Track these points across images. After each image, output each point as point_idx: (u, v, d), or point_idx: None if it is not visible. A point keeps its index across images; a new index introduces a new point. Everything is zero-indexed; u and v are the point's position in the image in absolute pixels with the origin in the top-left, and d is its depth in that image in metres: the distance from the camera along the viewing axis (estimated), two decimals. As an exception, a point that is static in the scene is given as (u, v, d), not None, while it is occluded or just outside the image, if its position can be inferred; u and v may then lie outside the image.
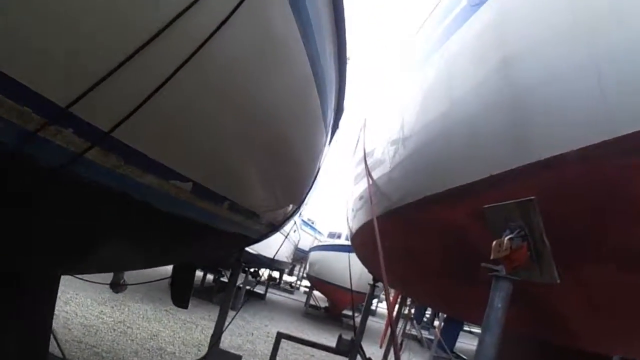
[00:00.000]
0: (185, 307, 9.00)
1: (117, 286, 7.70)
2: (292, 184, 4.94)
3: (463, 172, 3.44)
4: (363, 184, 7.12)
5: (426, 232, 4.28)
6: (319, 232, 35.59)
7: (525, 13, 3.00)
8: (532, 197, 2.41)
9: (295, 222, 21.98)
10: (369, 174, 5.95)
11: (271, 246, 17.68)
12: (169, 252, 4.27)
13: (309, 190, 5.69)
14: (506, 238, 2.49)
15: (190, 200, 3.21)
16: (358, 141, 9.39)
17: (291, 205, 5.31)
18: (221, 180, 3.47)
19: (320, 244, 26.97)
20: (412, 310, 16.18)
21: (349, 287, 19.19)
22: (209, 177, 3.25)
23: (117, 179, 2.46)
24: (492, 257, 2.54)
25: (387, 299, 4.11)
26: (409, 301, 13.77)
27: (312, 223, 36.92)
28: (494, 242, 2.55)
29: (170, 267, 7.88)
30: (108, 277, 7.71)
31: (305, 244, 30.13)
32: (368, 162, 6.32)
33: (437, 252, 4.26)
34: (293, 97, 3.57)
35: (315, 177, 5.65)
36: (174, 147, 2.71)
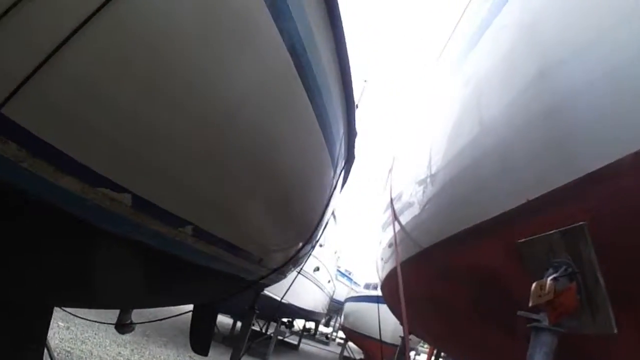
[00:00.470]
0: (205, 354, 8.41)
1: (122, 327, 7.17)
2: (294, 228, 4.57)
3: (494, 201, 2.95)
4: (391, 231, 6.70)
5: (454, 276, 3.76)
6: (356, 283, 35.06)
7: (560, 17, 2.58)
8: (582, 222, 1.87)
9: (329, 273, 21.56)
10: (394, 217, 5.44)
11: (302, 296, 17.49)
12: (161, 291, 3.87)
13: (314, 235, 5.25)
14: (549, 279, 1.96)
15: (180, 239, 2.95)
16: (385, 185, 9.04)
17: (294, 249, 4.87)
18: (219, 222, 3.20)
19: (354, 295, 26.33)
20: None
21: (385, 340, 18.64)
22: (206, 219, 3.01)
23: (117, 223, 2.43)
24: (531, 304, 2.00)
25: (405, 351, 3.59)
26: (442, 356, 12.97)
27: (349, 274, 36.48)
28: (534, 285, 2.02)
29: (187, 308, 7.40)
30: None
31: (341, 295, 29.32)
32: (395, 206, 5.81)
33: (467, 299, 3.70)
34: (295, 139, 3.33)
35: (322, 221, 5.21)
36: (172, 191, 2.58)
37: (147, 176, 2.32)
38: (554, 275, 1.95)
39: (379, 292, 22.71)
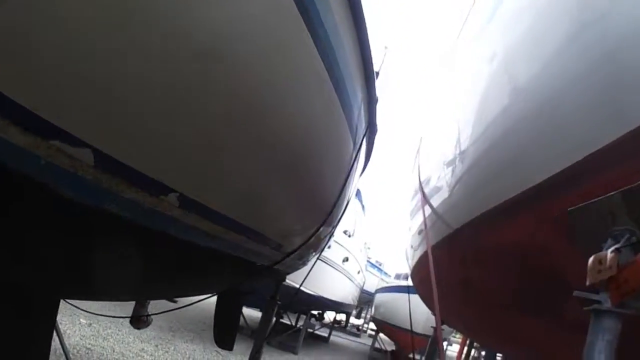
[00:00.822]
0: (230, 348, 8.09)
1: (138, 322, 6.88)
2: (308, 206, 4.19)
3: (533, 169, 2.60)
4: (420, 217, 6.35)
5: (489, 257, 3.40)
6: (386, 274, 34.71)
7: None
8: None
9: (359, 264, 21.27)
10: (423, 199, 5.09)
11: (332, 287, 17.25)
12: (163, 279, 3.60)
13: (333, 215, 4.87)
14: (609, 250, 1.61)
15: (181, 217, 2.64)
16: (413, 168, 8.72)
17: (310, 231, 4.52)
18: (222, 196, 2.87)
19: (385, 285, 25.99)
20: (483, 354, 14.71)
21: (416, 330, 18.29)
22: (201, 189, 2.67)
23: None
24: (588, 282, 1.66)
25: (438, 341, 3.26)
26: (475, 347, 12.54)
27: (380, 265, 36.21)
28: (591, 259, 1.67)
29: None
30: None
31: (371, 286, 29.12)
32: (425, 189, 5.45)
33: (504, 283, 3.33)
34: (303, 99, 2.94)
35: (340, 199, 4.83)
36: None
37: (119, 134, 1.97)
38: (616, 246, 1.60)
39: (409, 282, 22.46)
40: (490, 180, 3.26)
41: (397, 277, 26.13)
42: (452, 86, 5.16)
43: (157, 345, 11.17)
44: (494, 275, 3.38)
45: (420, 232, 6.90)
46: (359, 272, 22.07)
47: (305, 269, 6.47)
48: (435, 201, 4.69)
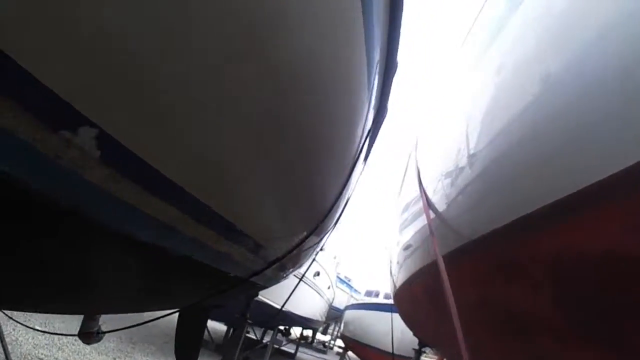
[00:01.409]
0: (193, 367, 7.38)
1: (87, 336, 6.04)
2: (306, 202, 3.43)
3: (598, 163, 2.06)
4: (411, 230, 5.79)
5: (526, 271, 2.72)
6: (356, 291, 34.28)
7: None
8: None
9: (330, 279, 20.61)
10: (426, 204, 4.40)
11: (301, 302, 16.56)
12: (115, 292, 2.88)
13: (329, 216, 4.13)
14: None
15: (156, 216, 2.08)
16: (403, 182, 8.12)
17: (303, 235, 3.80)
18: (212, 190, 2.27)
19: (357, 302, 25.39)
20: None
21: (388, 350, 17.74)
22: (194, 182, 2.10)
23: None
24: None
25: None
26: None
27: (349, 281, 35.77)
28: None
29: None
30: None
31: (340, 302, 28.51)
32: (428, 192, 4.77)
33: (549, 302, 2.64)
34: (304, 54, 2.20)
35: (341, 197, 4.09)
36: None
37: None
38: None
39: (382, 300, 21.95)
40: (532, 178, 2.62)
41: (369, 294, 25.65)
42: (465, 76, 4.57)
43: (115, 359, 10.52)
44: (532, 293, 2.71)
45: (407, 248, 6.27)
46: (329, 288, 21.42)
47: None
48: (444, 205, 4.02)
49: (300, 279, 5.75)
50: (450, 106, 4.91)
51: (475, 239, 3.22)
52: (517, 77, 3.05)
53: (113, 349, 11.04)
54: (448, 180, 3.93)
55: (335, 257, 22.43)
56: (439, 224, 4.00)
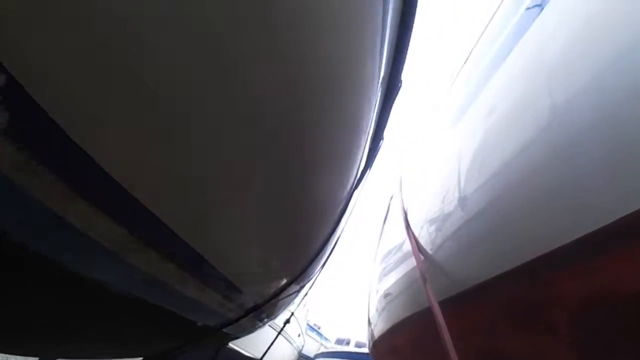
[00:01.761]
0: None
1: None
2: (291, 244, 3.05)
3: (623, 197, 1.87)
4: (394, 277, 5.45)
5: (548, 315, 2.40)
6: (326, 338, 33.58)
7: None
8: None
9: (300, 326, 20.05)
10: (415, 247, 4.09)
11: (271, 351, 15.98)
12: (60, 338, 2.53)
13: (315, 260, 3.73)
14: None
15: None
16: (384, 227, 7.82)
17: (286, 280, 3.46)
18: (175, 208, 1.86)
19: (329, 350, 24.78)
20: None
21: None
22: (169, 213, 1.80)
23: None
24: None
25: None
26: None
27: (319, 328, 35.13)
28: None
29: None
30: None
31: (310, 350, 27.77)
32: (417, 233, 4.45)
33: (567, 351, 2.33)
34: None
35: (327, 245, 3.74)
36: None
37: None
38: None
39: (353, 348, 21.46)
40: (547, 211, 2.35)
41: (339, 342, 25.12)
42: (457, 105, 4.37)
43: None
44: (552, 343, 2.40)
45: (388, 296, 5.94)
46: (299, 335, 20.87)
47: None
48: (439, 253, 3.72)
49: (279, 333, 5.38)
50: (443, 143, 4.66)
51: (481, 284, 2.93)
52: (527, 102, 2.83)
53: None
54: (445, 222, 3.65)
55: (305, 305, 21.85)
56: (432, 269, 3.70)
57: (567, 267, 2.18)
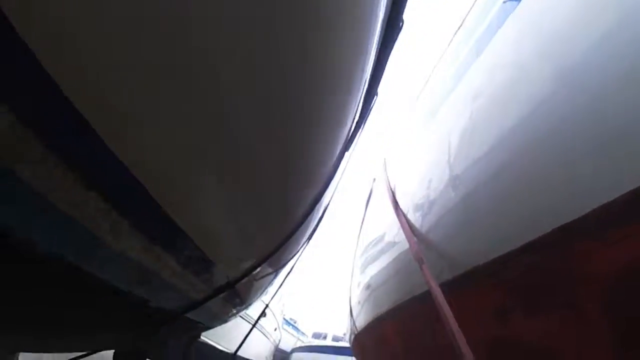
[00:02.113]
0: None
1: None
2: (269, 209, 2.67)
3: None
4: (378, 266, 5.19)
5: (572, 294, 2.09)
6: (302, 333, 33.40)
7: None
8: None
9: (276, 319, 19.74)
10: (408, 227, 3.77)
11: (247, 345, 15.64)
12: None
13: (297, 232, 3.31)
14: None
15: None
16: (364, 218, 7.51)
17: (262, 255, 3.06)
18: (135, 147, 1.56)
19: (305, 344, 24.54)
20: None
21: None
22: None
23: None
24: None
25: None
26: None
27: (295, 322, 34.93)
28: None
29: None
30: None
31: (286, 344, 27.55)
32: (408, 213, 4.12)
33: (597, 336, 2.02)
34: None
35: (315, 210, 3.36)
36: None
37: None
38: None
39: (330, 342, 21.26)
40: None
41: (316, 336, 24.91)
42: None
43: None
44: (574, 326, 2.10)
45: (370, 286, 5.65)
46: (275, 329, 20.56)
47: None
48: (438, 233, 3.40)
49: (254, 325, 4.97)
50: (428, 125, 4.37)
51: (487, 263, 2.62)
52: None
53: None
54: (440, 201, 3.34)
55: (281, 299, 21.53)
56: (427, 250, 3.38)
57: (598, 235, 1.89)
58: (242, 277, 2.93)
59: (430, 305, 3.07)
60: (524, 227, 2.33)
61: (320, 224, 4.22)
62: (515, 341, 2.55)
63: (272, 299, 4.79)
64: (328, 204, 4.04)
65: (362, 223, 7.74)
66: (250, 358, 16.69)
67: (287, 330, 29.81)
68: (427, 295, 3.20)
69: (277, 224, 2.90)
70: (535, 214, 2.27)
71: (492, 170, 2.69)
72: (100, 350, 3.64)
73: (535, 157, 2.33)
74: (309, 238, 4.20)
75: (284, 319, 27.51)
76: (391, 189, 4.76)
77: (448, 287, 2.91)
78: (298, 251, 4.15)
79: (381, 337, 5.35)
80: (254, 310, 14.34)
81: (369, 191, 7.49)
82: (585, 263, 1.96)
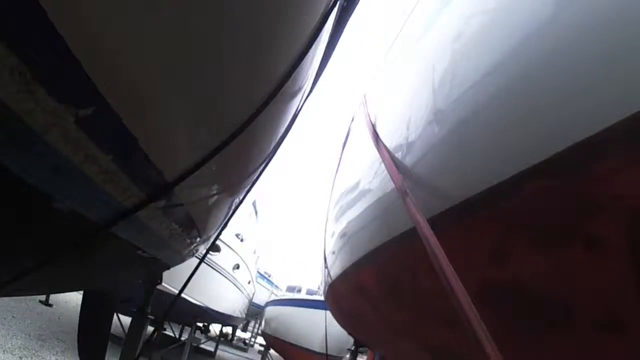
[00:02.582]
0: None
1: None
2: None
3: None
4: (355, 211, 4.93)
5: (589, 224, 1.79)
6: (276, 286, 33.56)
7: None
8: None
9: (250, 273, 19.59)
10: (390, 160, 3.42)
11: (221, 297, 15.49)
12: None
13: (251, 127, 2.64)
14: None
15: None
16: (338, 168, 7.21)
17: (210, 149, 2.42)
18: None
19: (279, 298, 24.49)
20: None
21: (311, 348, 17.00)
22: None
23: None
24: None
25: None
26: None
27: (269, 276, 35.06)
28: None
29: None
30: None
31: (260, 299, 27.75)
32: (387, 151, 3.78)
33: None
34: None
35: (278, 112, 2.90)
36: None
37: None
38: None
39: (304, 296, 21.20)
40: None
41: (290, 289, 24.92)
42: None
43: (21, 358, 9.36)
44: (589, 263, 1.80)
45: (343, 235, 5.41)
46: (249, 283, 20.48)
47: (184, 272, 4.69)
48: (417, 164, 3.07)
49: (202, 260, 4.44)
50: (410, 55, 4.04)
51: (484, 192, 2.31)
52: None
53: (20, 347, 9.89)
54: (430, 128, 3.00)
55: (255, 252, 21.35)
56: (412, 184, 3.05)
57: (626, 151, 1.58)
58: (181, 178, 2.41)
59: (413, 244, 2.79)
60: (530, 148, 2.01)
61: (285, 139, 3.69)
62: (517, 286, 2.27)
63: (225, 225, 4.12)
64: (296, 114, 3.57)
65: (337, 171, 7.46)
66: (224, 311, 16.60)
67: (261, 284, 29.91)
68: (411, 233, 2.91)
69: (224, 121, 2.41)
70: (544, 133, 1.95)
71: (491, 90, 2.37)
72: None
73: (546, 67, 2.04)
74: (269, 158, 3.71)
75: (258, 272, 27.50)
76: (371, 122, 4.41)
77: (435, 224, 2.60)
78: (255, 172, 3.68)
79: (357, 284, 5.10)
80: (224, 261, 14.16)
81: (346, 133, 7.16)
82: (608, 186, 1.66)
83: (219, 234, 4.43)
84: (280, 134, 3.50)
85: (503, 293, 2.36)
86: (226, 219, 4.33)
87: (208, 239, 4.40)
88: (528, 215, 2.09)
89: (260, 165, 3.66)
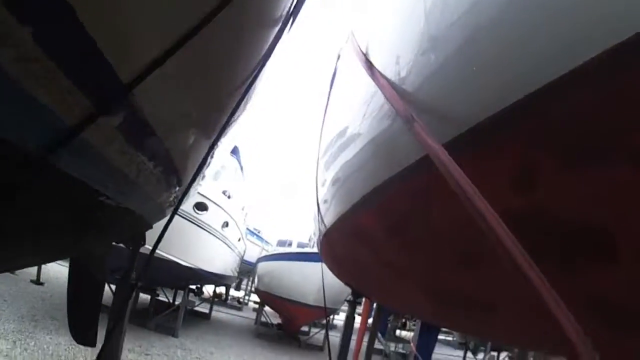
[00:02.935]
0: (92, 344, 6.01)
1: None
2: None
3: None
4: (342, 159, 4.76)
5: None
6: (266, 242, 33.49)
7: None
8: None
9: (240, 230, 19.43)
10: (386, 83, 3.10)
11: (212, 257, 15.35)
12: None
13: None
14: None
15: None
16: (325, 115, 6.83)
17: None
18: None
19: (270, 253, 24.38)
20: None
21: (306, 302, 16.99)
22: None
23: None
24: None
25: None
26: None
27: (259, 232, 34.99)
28: None
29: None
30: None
31: (252, 255, 27.76)
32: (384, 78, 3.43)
33: None
34: None
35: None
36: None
37: None
38: None
39: (296, 249, 21.09)
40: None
41: (281, 244, 24.80)
42: None
43: (14, 342, 9.25)
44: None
45: (336, 181, 5.20)
46: (239, 240, 20.38)
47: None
48: (421, 87, 2.77)
49: (176, 210, 3.87)
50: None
51: (502, 111, 2.03)
52: None
53: (13, 330, 9.82)
54: (436, 42, 2.69)
55: (243, 208, 21.13)
56: (416, 110, 2.75)
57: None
58: (140, 78, 1.93)
59: (421, 177, 2.54)
60: (557, 55, 1.73)
61: (263, 71, 3.28)
62: (547, 214, 2.02)
63: (206, 159, 3.42)
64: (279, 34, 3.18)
65: (324, 117, 7.11)
66: (216, 271, 16.46)
67: (251, 241, 29.82)
68: (417, 165, 2.65)
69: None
70: (574, 37, 1.67)
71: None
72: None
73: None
74: (245, 93, 3.28)
75: (247, 228, 27.36)
76: (363, 52, 4.05)
77: (448, 152, 2.32)
78: (233, 111, 3.19)
79: (355, 229, 4.87)
80: (212, 219, 13.93)
81: (332, 75, 6.77)
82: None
83: (199, 171, 3.62)
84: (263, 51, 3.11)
85: (532, 222, 2.12)
86: (208, 154, 3.71)
87: (188, 188, 3.87)
88: (556, 132, 1.83)
89: (243, 84, 3.15)
